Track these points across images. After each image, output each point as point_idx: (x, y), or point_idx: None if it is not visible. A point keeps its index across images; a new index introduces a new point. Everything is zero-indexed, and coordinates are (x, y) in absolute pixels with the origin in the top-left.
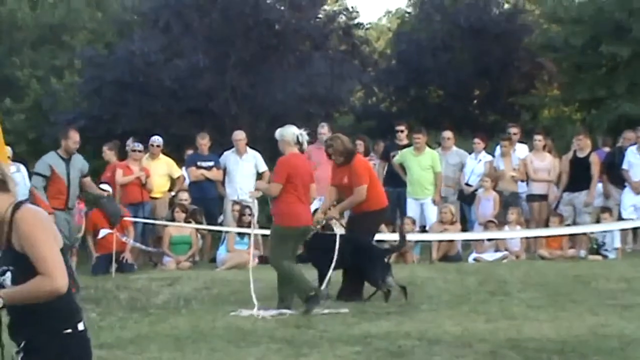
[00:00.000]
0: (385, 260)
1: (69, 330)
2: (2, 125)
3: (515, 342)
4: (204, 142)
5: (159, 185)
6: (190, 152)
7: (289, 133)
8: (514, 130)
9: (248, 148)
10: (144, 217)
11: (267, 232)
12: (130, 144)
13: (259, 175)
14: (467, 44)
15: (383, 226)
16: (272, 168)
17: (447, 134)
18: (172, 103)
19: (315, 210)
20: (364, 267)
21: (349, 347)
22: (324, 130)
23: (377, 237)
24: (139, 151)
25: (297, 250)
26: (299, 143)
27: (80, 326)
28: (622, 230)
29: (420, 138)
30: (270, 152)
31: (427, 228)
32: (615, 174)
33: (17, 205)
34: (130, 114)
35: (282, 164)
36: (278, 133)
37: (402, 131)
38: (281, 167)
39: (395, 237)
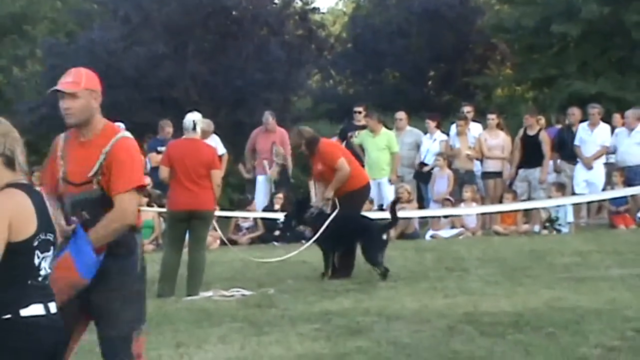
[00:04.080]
0: (384, 237)
1: (8, 316)
2: None
3: (472, 317)
4: (169, 129)
5: None
6: (150, 138)
7: (186, 119)
8: (468, 109)
9: None
10: None
11: (229, 214)
12: None
13: (220, 158)
14: (422, 28)
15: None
16: (232, 152)
17: (400, 114)
18: (134, 92)
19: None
20: (364, 246)
21: (309, 324)
22: (268, 120)
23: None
24: None
25: (183, 236)
26: (194, 129)
27: (26, 312)
28: (575, 205)
29: (369, 121)
30: (232, 137)
31: (384, 207)
32: (566, 151)
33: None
34: None
35: (166, 147)
36: None
37: (359, 112)
38: (165, 150)
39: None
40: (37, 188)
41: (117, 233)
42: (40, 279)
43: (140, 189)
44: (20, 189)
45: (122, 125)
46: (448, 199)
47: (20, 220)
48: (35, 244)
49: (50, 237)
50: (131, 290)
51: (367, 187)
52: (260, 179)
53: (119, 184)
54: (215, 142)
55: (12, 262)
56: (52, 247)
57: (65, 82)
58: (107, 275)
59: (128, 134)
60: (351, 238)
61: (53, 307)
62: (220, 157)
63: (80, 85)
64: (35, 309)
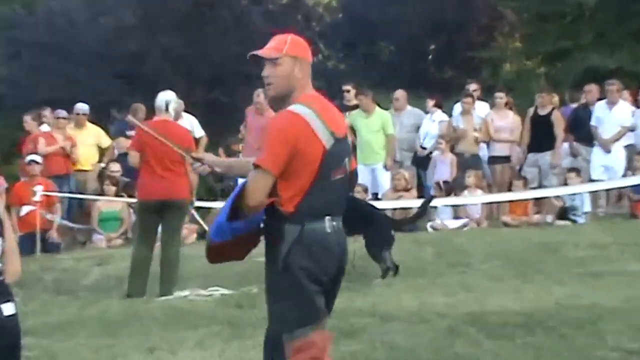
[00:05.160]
0: (392, 232)
1: None
2: None
3: (476, 317)
4: (142, 115)
5: (87, 157)
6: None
7: (158, 98)
8: (473, 86)
9: (183, 112)
10: (70, 192)
11: (209, 204)
12: (52, 111)
13: (197, 141)
14: None
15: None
16: (210, 134)
17: (399, 93)
18: (99, 67)
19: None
20: (369, 239)
21: None
22: (260, 98)
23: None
24: (63, 118)
25: (155, 229)
26: (167, 110)
27: None
28: (592, 192)
29: (362, 99)
30: (208, 117)
31: (379, 196)
32: (582, 132)
33: None
34: (53, 80)
35: (136, 130)
36: None
37: (348, 91)
38: (135, 133)
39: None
40: None
41: (245, 215)
42: None
43: (263, 170)
44: None
45: (84, 106)
46: (445, 182)
47: None
48: None
49: None
50: (276, 286)
51: (353, 174)
52: None
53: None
54: (190, 124)
55: None
56: None
57: (267, 48)
58: (266, 262)
59: (293, 108)
60: (354, 228)
61: (7, 308)
62: (197, 140)
63: (281, 51)
64: None
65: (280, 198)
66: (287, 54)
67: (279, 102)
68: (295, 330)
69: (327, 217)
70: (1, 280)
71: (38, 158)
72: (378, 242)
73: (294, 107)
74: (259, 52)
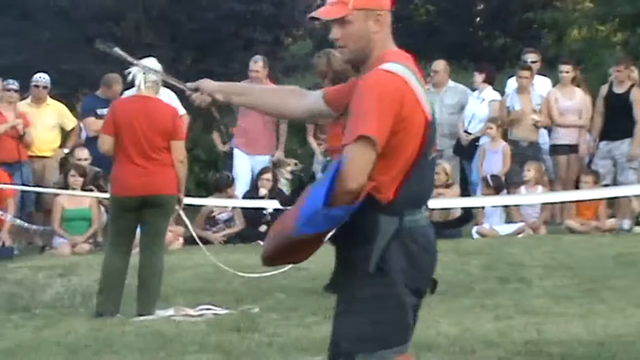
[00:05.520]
0: None
1: None
2: None
3: (534, 346)
4: (118, 86)
5: (47, 140)
6: (86, 95)
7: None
8: (532, 57)
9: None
10: (23, 183)
11: (197, 201)
12: (1, 82)
13: None
14: None
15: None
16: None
17: (439, 64)
18: (64, 28)
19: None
20: None
21: (307, 356)
22: (257, 66)
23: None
24: (14, 91)
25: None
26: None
27: None
28: None
29: None
30: None
31: None
32: None
33: None
34: (6, 43)
35: (110, 108)
36: None
37: None
38: (108, 112)
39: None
40: None
41: (341, 202)
42: None
43: (368, 141)
44: None
45: (45, 76)
46: (495, 177)
47: None
48: None
49: None
50: (360, 294)
51: None
52: (238, 153)
53: (346, 134)
54: (168, 99)
55: None
56: None
57: (328, 5)
58: (341, 263)
59: (389, 67)
60: None
61: None
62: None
63: (347, 6)
64: None
65: (375, 182)
66: (354, 8)
67: (360, 66)
68: (376, 351)
69: (424, 207)
70: None
71: None
72: None
73: (387, 66)
74: (319, 13)
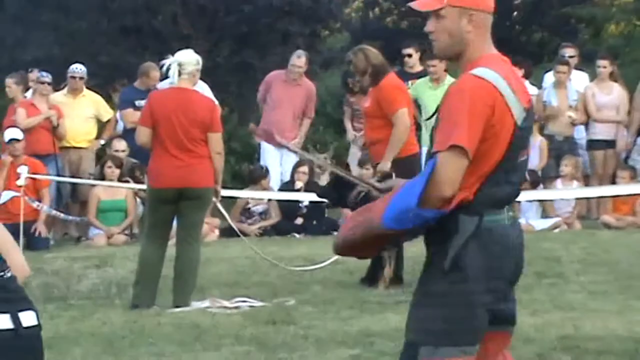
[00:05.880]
0: None
1: None
2: None
3: (571, 342)
4: (155, 73)
5: (83, 131)
6: (124, 86)
7: (173, 60)
8: (570, 51)
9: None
10: (58, 174)
11: (233, 193)
12: (36, 73)
13: None
14: None
15: None
16: (237, 106)
17: None
18: (100, 20)
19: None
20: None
21: (343, 349)
22: (300, 61)
23: None
24: (47, 83)
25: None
26: (186, 75)
27: None
28: None
29: (437, 65)
30: (237, 85)
31: None
32: None
33: None
34: (43, 36)
35: (147, 100)
36: None
37: (410, 55)
38: (145, 104)
39: None
40: None
41: (432, 205)
42: None
43: (460, 150)
44: None
45: (81, 67)
46: (532, 172)
47: None
48: None
49: None
50: (435, 289)
51: (414, 157)
52: (267, 147)
53: (438, 140)
54: (202, 90)
55: None
56: None
57: None
58: (428, 259)
59: (478, 72)
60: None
61: (28, 318)
62: None
63: (443, 0)
64: None
65: (466, 190)
66: (449, 4)
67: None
68: (440, 346)
69: (507, 207)
70: (8, 278)
71: (19, 134)
72: None
73: (478, 71)
74: (416, 4)
